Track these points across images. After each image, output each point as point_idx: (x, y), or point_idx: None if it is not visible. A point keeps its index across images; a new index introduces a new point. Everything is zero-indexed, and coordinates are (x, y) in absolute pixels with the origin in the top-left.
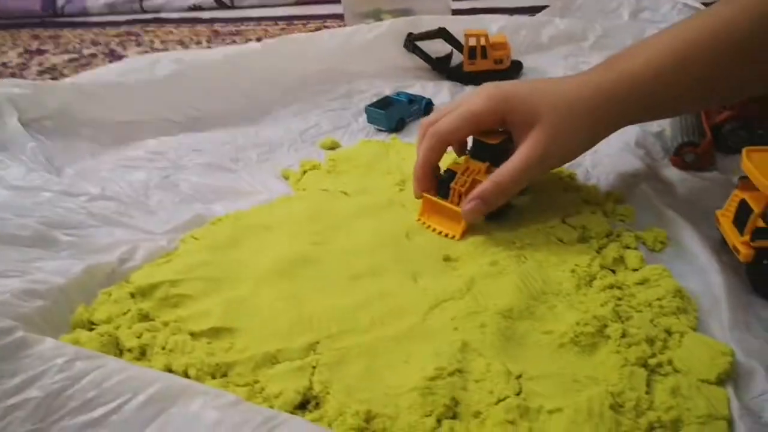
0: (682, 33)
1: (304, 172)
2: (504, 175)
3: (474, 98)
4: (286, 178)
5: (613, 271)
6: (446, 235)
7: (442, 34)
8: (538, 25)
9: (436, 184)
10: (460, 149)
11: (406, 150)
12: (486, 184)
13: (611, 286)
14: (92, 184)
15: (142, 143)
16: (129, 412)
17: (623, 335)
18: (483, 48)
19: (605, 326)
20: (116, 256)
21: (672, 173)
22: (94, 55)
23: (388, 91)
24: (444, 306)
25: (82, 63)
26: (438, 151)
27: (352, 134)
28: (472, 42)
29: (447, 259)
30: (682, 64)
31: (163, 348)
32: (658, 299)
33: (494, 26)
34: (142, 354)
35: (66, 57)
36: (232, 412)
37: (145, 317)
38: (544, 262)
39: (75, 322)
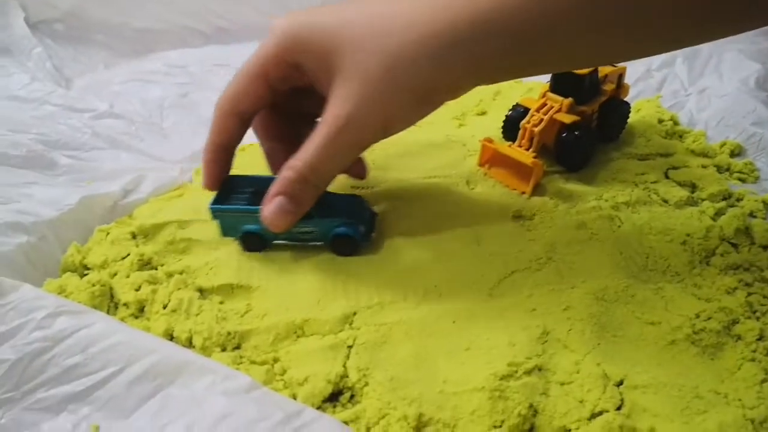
0: None
1: None
2: (304, 158)
3: (267, 37)
4: None
5: (735, 246)
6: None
7: None
8: None
9: (228, 170)
10: (263, 127)
11: None
12: (285, 173)
13: (736, 267)
14: (101, 99)
15: (162, 54)
16: (118, 388)
17: (760, 337)
18: None
19: (734, 322)
20: (120, 186)
21: None
22: None
23: None
24: (516, 278)
25: None
26: (225, 129)
27: None
28: None
29: (518, 216)
30: None
31: (165, 306)
32: None
33: None
34: (140, 311)
35: None
36: (245, 401)
37: (146, 264)
38: (644, 227)
39: (65, 265)
